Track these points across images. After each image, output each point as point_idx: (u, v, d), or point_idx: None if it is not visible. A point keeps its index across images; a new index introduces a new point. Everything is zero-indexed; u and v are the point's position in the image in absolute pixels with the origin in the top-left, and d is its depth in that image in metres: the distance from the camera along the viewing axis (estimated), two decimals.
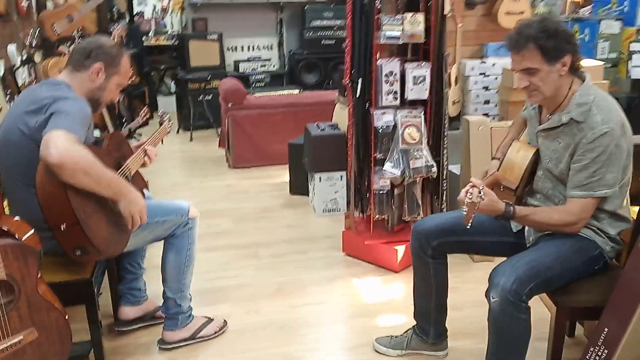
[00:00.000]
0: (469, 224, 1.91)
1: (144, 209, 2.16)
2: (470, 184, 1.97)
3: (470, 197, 1.89)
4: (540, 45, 1.93)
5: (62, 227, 1.92)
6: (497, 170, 2.23)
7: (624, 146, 1.97)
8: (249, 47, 7.57)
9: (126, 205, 2.11)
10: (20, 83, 4.20)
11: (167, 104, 8.07)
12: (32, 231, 1.90)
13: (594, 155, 1.95)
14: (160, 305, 2.70)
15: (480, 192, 1.90)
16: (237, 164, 5.41)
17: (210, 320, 2.75)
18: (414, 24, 3.07)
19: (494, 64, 4.01)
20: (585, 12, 5.70)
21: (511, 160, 2.20)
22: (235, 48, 7.52)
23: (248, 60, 7.40)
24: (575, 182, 2.00)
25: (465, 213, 1.90)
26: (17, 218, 1.96)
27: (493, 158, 2.38)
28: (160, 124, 2.85)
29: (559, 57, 1.95)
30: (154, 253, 2.79)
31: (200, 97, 6.60)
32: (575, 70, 2.03)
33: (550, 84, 1.99)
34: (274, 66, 7.46)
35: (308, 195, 4.51)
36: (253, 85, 7.05)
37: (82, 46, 2.31)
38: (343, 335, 2.79)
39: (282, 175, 5.06)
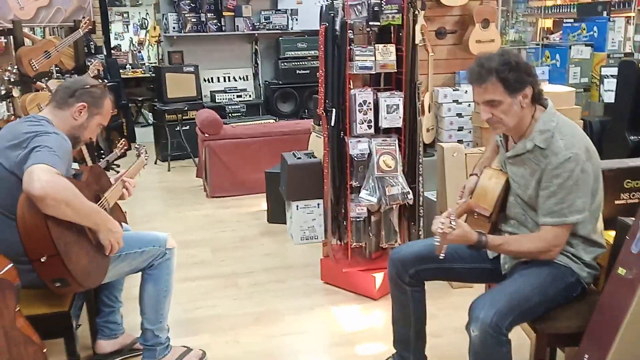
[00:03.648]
0: (442, 255, 1.93)
1: (121, 236, 2.23)
2: (444, 214, 1.98)
3: (442, 227, 1.90)
4: (502, 78, 1.97)
5: (43, 259, 1.93)
6: (470, 196, 2.27)
7: (590, 171, 2.01)
8: (224, 78, 7.64)
9: (106, 234, 2.16)
10: None
11: (144, 135, 8.09)
12: (10, 265, 1.90)
13: (560, 181, 1.98)
14: (138, 337, 2.68)
15: (451, 223, 1.91)
16: (214, 193, 5.42)
17: (188, 350, 2.74)
18: (385, 55, 3.15)
19: (466, 91, 4.11)
20: (555, 38, 5.89)
21: (484, 187, 2.22)
22: (212, 79, 7.58)
23: (224, 91, 7.46)
24: (546, 210, 2.02)
25: (437, 244, 1.92)
26: None
27: (471, 174, 2.40)
28: (137, 157, 2.88)
29: (520, 89, 2.00)
30: (132, 284, 2.78)
31: (178, 128, 6.63)
32: (537, 100, 2.08)
33: (513, 116, 2.03)
34: (249, 96, 7.53)
35: (286, 223, 4.53)
36: (229, 116, 7.09)
37: (67, 85, 2.36)
38: None
39: (259, 203, 5.08)
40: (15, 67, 4.48)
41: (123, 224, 2.54)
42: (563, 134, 2.02)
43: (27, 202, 1.93)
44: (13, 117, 4.51)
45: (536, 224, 2.11)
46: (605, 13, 5.63)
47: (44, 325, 2.04)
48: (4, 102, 4.59)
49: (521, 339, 2.27)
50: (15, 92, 4.55)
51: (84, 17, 5.00)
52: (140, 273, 2.55)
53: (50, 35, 6.23)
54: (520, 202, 2.16)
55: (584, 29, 5.33)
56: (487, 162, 2.39)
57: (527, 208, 2.14)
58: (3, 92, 4.57)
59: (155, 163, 6.79)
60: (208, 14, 7.18)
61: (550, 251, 2.03)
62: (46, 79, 4.55)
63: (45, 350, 1.93)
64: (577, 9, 6.38)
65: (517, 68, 1.98)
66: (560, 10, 6.80)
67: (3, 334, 1.80)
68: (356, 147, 3.20)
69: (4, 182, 2.10)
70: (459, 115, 4.13)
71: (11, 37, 4.95)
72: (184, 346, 2.75)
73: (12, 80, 4.51)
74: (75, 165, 3.33)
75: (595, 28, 5.20)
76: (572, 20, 5.63)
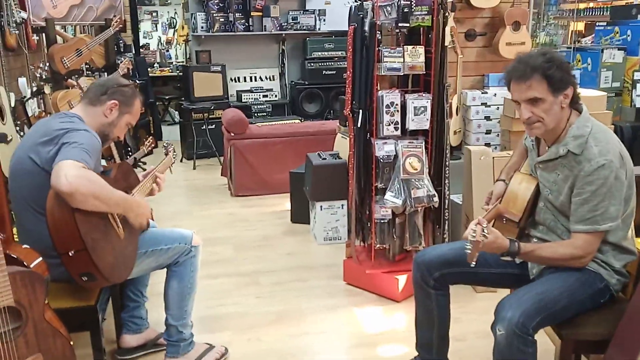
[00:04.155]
0: (473, 263, 1.90)
1: (149, 211, 2.33)
2: (475, 221, 1.95)
3: (474, 235, 1.87)
4: (547, 75, 1.95)
5: (70, 253, 1.96)
6: (500, 201, 2.24)
7: (624, 178, 1.97)
8: (251, 78, 7.68)
9: (135, 217, 2.23)
10: (30, 114, 4.29)
11: (171, 133, 8.19)
12: (40, 259, 1.94)
13: (593, 188, 1.95)
14: (162, 332, 2.71)
15: (483, 230, 1.88)
16: (238, 192, 5.45)
17: (211, 347, 2.75)
18: (414, 56, 3.13)
19: (495, 94, 4.07)
20: (587, 41, 5.77)
21: (514, 192, 2.20)
22: (238, 79, 7.62)
23: (250, 90, 7.50)
24: (579, 217, 2.00)
25: (469, 252, 1.89)
26: (25, 246, 2.00)
27: (498, 179, 2.38)
28: (166, 154, 2.90)
29: (563, 88, 1.98)
30: (156, 280, 2.81)
31: (204, 127, 6.70)
32: (575, 102, 2.05)
33: (553, 116, 2.00)
34: (275, 96, 7.55)
35: (309, 223, 4.54)
36: (255, 115, 7.13)
37: (100, 83, 2.41)
38: None
39: (283, 203, 5.09)
40: (47, 64, 4.56)
41: (150, 220, 2.57)
42: (597, 140, 1.99)
43: (56, 197, 1.96)
44: (44, 113, 4.59)
45: (566, 230, 2.09)
46: (639, 16, 5.51)
47: (71, 319, 2.07)
48: (35, 99, 4.68)
49: (546, 344, 2.25)
50: (47, 89, 4.64)
51: (115, 16, 5.07)
52: (165, 269, 2.57)
53: (81, 33, 6.33)
54: (550, 208, 2.13)
55: (617, 33, 5.22)
56: (514, 167, 2.36)
57: (557, 214, 2.11)
58: (34, 88, 4.66)
59: (181, 161, 6.86)
60: (236, 14, 7.23)
61: (582, 258, 2.01)
62: (76, 76, 4.62)
63: (72, 343, 1.95)
64: (610, 12, 6.25)
65: (561, 66, 1.96)
66: (593, 13, 6.67)
67: (32, 326, 1.83)
68: (382, 149, 3.18)
69: (35, 178, 2.13)
70: (487, 118, 4.09)
71: (44, 34, 5.05)
72: (207, 343, 2.77)
73: (43, 77, 4.60)
74: (103, 162, 3.38)
75: (628, 31, 5.08)
76: (604, 23, 5.52)
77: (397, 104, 3.15)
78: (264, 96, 7.44)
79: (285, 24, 7.47)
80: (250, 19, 7.28)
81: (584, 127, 2.02)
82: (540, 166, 2.15)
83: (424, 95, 3.19)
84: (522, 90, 2.01)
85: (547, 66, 1.94)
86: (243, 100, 7.33)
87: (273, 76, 7.73)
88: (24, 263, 1.90)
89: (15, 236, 2.31)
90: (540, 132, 2.08)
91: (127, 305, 2.77)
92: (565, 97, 1.99)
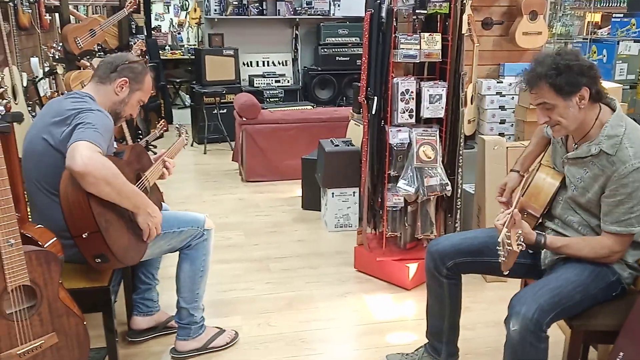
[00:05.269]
0: (507, 272, 1.89)
1: (160, 222, 2.23)
2: (503, 219, 1.93)
3: (509, 242, 1.84)
4: (551, 83, 1.91)
5: (84, 235, 1.96)
6: (522, 194, 2.20)
7: None
8: (264, 63, 7.65)
9: (145, 218, 2.17)
10: (42, 94, 4.28)
11: (181, 117, 8.18)
12: (54, 238, 1.95)
13: (628, 190, 1.92)
14: (173, 315, 2.73)
15: (519, 238, 1.85)
16: (249, 177, 5.44)
17: (222, 331, 2.77)
18: (431, 43, 3.10)
19: (510, 84, 4.03)
20: (603, 33, 5.71)
21: (538, 186, 2.18)
22: (251, 63, 7.59)
23: (263, 75, 7.47)
24: (613, 218, 1.97)
25: (504, 260, 1.86)
26: (39, 225, 2.01)
27: (512, 170, 2.37)
28: (178, 137, 2.90)
29: (574, 91, 1.92)
30: (168, 263, 2.82)
31: (215, 111, 6.67)
32: (598, 99, 1.99)
33: (572, 118, 1.96)
34: (288, 82, 7.52)
35: (320, 210, 4.53)
36: (267, 100, 7.11)
37: (109, 60, 2.38)
38: (353, 352, 2.78)
39: (294, 189, 5.09)
40: (60, 44, 4.54)
41: (162, 203, 2.57)
42: (632, 141, 1.94)
43: (70, 178, 1.95)
44: (56, 94, 4.59)
45: (585, 225, 2.08)
46: None
47: (84, 299, 2.07)
48: (47, 79, 4.68)
49: (556, 335, 2.24)
50: (60, 70, 4.63)
51: None
52: (177, 252, 2.57)
53: (94, 13, 6.31)
54: (572, 204, 2.11)
55: (634, 24, 5.15)
56: (529, 157, 2.34)
57: (580, 210, 2.09)
58: (47, 68, 4.65)
59: (192, 145, 6.86)
60: None
61: (609, 257, 2.00)
62: (89, 57, 4.60)
63: (85, 323, 1.96)
64: (627, 4, 6.17)
65: (567, 70, 1.90)
66: (610, 4, 6.58)
67: (47, 305, 1.84)
68: (396, 136, 3.16)
69: (48, 159, 2.13)
70: (502, 107, 4.05)
71: (57, 14, 5.02)
72: (217, 327, 2.78)
73: (56, 57, 4.58)
74: (115, 144, 3.38)
75: None
76: (621, 15, 5.45)
77: (412, 92, 3.13)
78: (276, 81, 7.42)
79: (300, 8, 7.42)
80: (264, 3, 7.25)
81: (617, 126, 1.98)
82: (569, 161, 2.11)
83: (439, 83, 3.16)
84: (532, 97, 2.00)
85: (551, 74, 1.90)
86: (255, 85, 7.30)
87: (286, 61, 7.70)
88: (39, 242, 1.91)
89: (29, 216, 2.31)
90: (563, 134, 2.07)
91: (138, 287, 2.78)
92: (580, 99, 1.94)
